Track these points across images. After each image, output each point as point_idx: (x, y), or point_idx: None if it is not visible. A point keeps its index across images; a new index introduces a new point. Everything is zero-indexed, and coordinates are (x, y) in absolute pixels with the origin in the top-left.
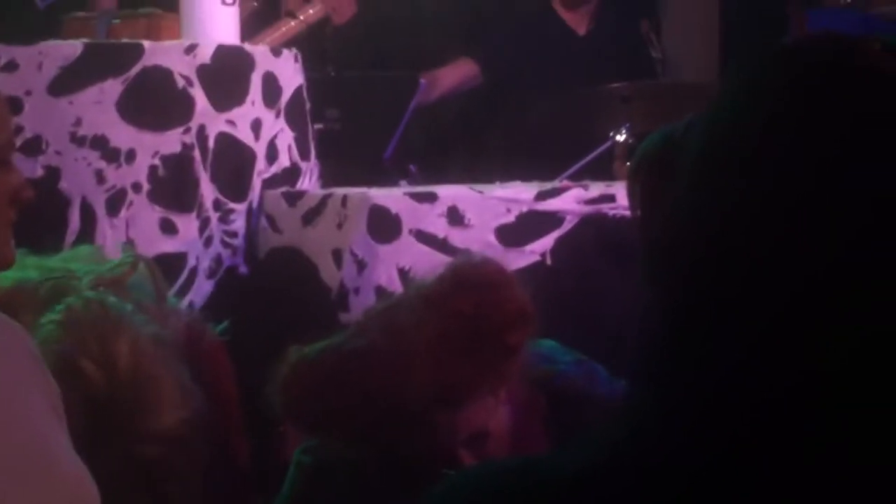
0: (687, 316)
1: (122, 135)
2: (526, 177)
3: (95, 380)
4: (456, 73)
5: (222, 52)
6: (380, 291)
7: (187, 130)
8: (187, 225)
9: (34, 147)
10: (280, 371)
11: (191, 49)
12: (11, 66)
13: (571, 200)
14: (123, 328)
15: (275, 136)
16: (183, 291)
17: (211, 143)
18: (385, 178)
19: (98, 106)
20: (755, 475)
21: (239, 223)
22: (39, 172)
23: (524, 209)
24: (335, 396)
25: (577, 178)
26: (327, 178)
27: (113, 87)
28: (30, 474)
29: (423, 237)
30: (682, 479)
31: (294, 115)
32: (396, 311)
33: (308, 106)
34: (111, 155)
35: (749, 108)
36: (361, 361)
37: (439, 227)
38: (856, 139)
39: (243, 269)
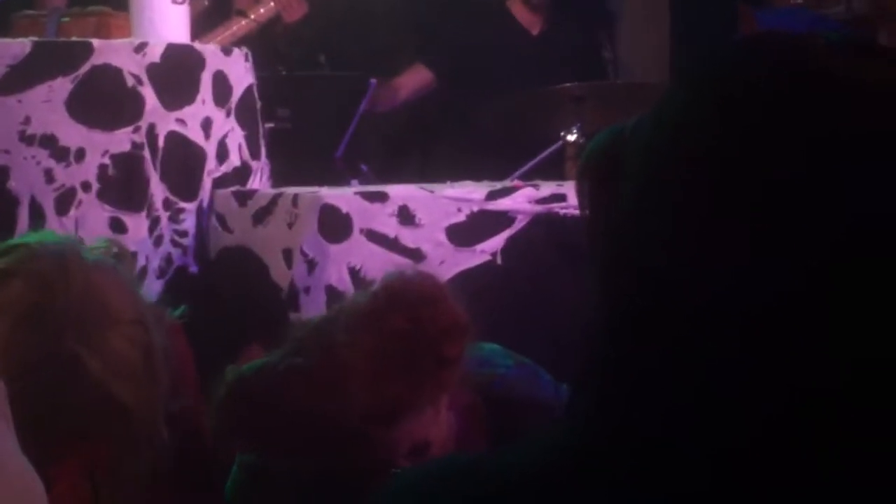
0: (631, 319)
1: (72, 133)
2: (478, 176)
3: (51, 276)
4: (412, 81)
5: (172, 50)
6: (330, 291)
7: (137, 129)
8: (137, 224)
9: None
10: (217, 391)
11: (141, 48)
12: None
13: (522, 200)
14: (72, 259)
15: (225, 136)
16: None
17: (161, 142)
18: (337, 177)
19: (47, 104)
20: (697, 479)
21: (189, 222)
22: None
23: (475, 208)
24: (271, 415)
25: (529, 177)
26: (278, 178)
27: (62, 86)
28: None
29: (374, 236)
30: (623, 484)
31: (244, 114)
32: (332, 327)
33: (259, 105)
34: (60, 154)
35: (696, 106)
36: (297, 380)
37: (390, 227)
38: (806, 137)
39: (194, 269)
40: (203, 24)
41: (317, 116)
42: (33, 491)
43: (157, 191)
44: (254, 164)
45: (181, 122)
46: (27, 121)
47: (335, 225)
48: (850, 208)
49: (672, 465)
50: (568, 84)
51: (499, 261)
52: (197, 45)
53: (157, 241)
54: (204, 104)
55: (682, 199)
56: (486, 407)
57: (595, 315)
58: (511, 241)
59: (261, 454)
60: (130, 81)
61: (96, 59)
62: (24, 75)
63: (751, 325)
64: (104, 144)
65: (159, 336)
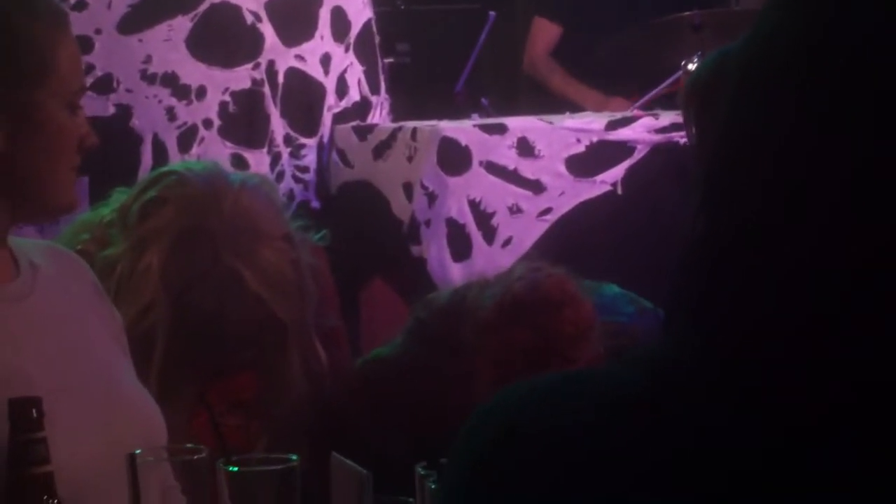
0: (724, 242)
1: (193, 71)
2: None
3: (204, 198)
4: (543, 40)
5: None
6: (450, 223)
7: (257, 66)
8: (258, 160)
9: (105, 85)
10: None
11: None
12: (81, 5)
13: (642, 129)
14: (221, 185)
15: (344, 71)
16: None
17: (281, 78)
18: (457, 111)
19: (167, 43)
20: (791, 405)
21: (310, 158)
22: (111, 111)
23: (594, 139)
24: (397, 407)
25: (649, 108)
26: (399, 113)
27: (182, 24)
28: (101, 408)
29: (494, 168)
30: (719, 402)
31: (363, 49)
32: (458, 323)
33: (377, 40)
34: (182, 92)
35: (787, 20)
36: (425, 376)
37: (509, 159)
38: None
39: (315, 204)
40: None
41: (436, 50)
42: (151, 415)
43: (278, 127)
44: (373, 98)
45: (300, 58)
46: (148, 60)
47: (454, 157)
48: None
49: (768, 385)
50: (687, 12)
51: (619, 191)
52: None
53: (279, 177)
54: (323, 40)
55: (769, 121)
56: (609, 358)
57: (694, 234)
58: (631, 170)
59: (383, 440)
60: (249, 19)
61: None
62: (145, 15)
63: (872, 233)
64: (225, 82)
65: (306, 255)
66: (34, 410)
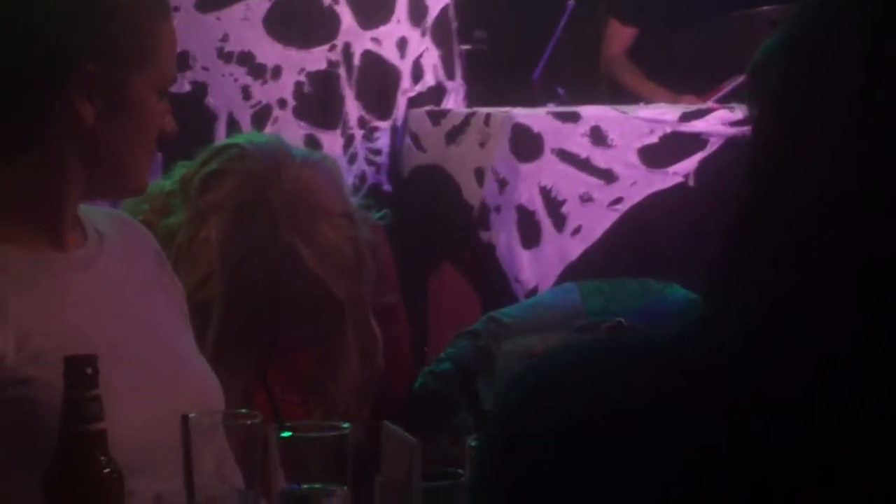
0: (766, 221)
1: (269, 51)
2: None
3: (265, 172)
4: (619, 42)
5: None
6: (521, 210)
7: (333, 48)
8: (332, 141)
9: (181, 63)
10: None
11: None
12: None
13: (716, 122)
14: (281, 160)
15: (420, 55)
16: None
17: (356, 60)
18: (533, 100)
19: (245, 22)
20: (821, 366)
21: (383, 141)
22: (187, 88)
23: (668, 130)
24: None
25: (725, 101)
26: (476, 101)
27: (260, 4)
28: (161, 376)
29: (565, 156)
30: (750, 377)
31: (440, 34)
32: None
33: (455, 25)
34: (257, 71)
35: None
36: None
37: (582, 147)
38: None
39: (387, 187)
40: None
41: (514, 38)
42: (212, 387)
43: (352, 109)
44: (448, 84)
45: (376, 41)
46: (225, 38)
47: (526, 144)
48: None
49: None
50: (765, 7)
51: (691, 182)
52: None
53: (352, 159)
54: (399, 23)
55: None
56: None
57: (738, 220)
58: (704, 163)
59: None
60: (327, 0)
61: None
62: None
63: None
64: (300, 62)
65: (366, 233)
66: (89, 368)
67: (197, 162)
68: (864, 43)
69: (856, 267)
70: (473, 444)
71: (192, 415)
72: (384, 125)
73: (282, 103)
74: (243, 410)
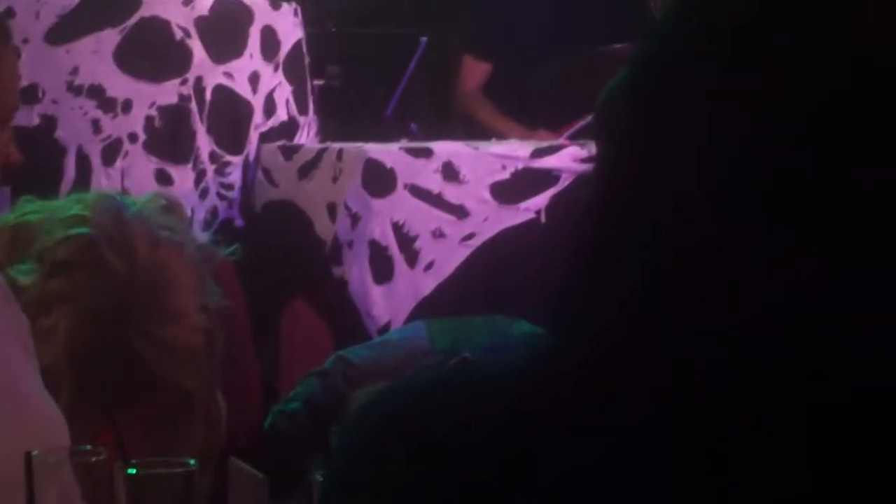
0: (610, 241)
1: (119, 84)
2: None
3: (116, 266)
4: (473, 78)
5: (221, 4)
6: (373, 245)
7: (184, 82)
8: (183, 176)
9: (30, 96)
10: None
11: (189, 1)
12: (9, 14)
13: (568, 158)
14: (141, 221)
15: (273, 90)
16: None
17: (208, 94)
18: (386, 135)
19: (95, 55)
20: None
21: (235, 176)
22: (35, 121)
23: (519, 166)
24: None
25: (577, 139)
26: (329, 136)
27: (110, 37)
28: (3, 414)
29: (418, 192)
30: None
31: (293, 69)
32: None
33: (307, 60)
34: (107, 104)
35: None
36: None
37: (434, 183)
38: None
39: (239, 222)
40: None
41: (367, 74)
42: (57, 428)
43: (204, 143)
44: (301, 119)
45: (229, 75)
46: (75, 71)
47: (379, 180)
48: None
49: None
50: (618, 45)
51: (542, 219)
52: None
53: (203, 194)
54: (252, 58)
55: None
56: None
57: (584, 231)
58: (555, 199)
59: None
60: (178, 34)
61: (145, 12)
62: (73, 26)
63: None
64: (151, 96)
65: (218, 303)
66: None
67: (46, 237)
68: (706, 78)
69: (701, 291)
70: (320, 478)
71: (35, 452)
72: (236, 160)
73: (132, 137)
74: (88, 447)
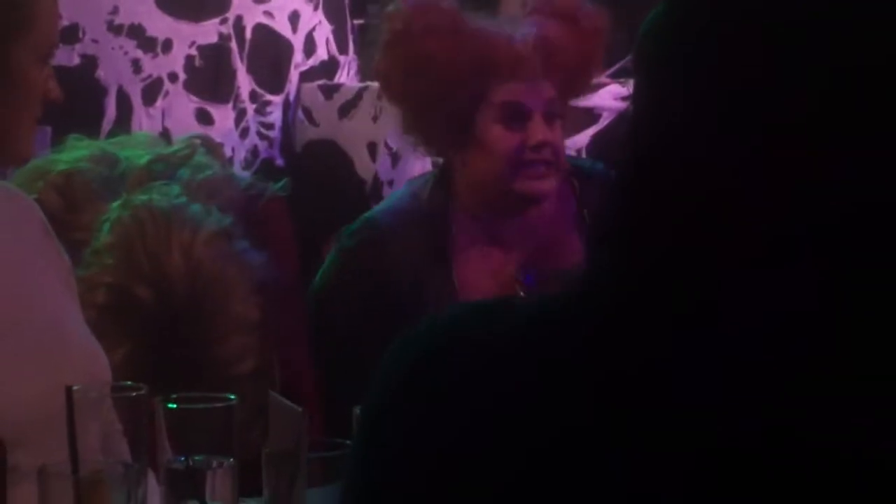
0: (634, 185)
1: (159, 24)
2: None
3: (152, 303)
4: None
5: None
6: None
7: (224, 21)
8: (223, 115)
9: (71, 35)
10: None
11: None
12: None
13: (608, 97)
14: (175, 233)
15: (313, 29)
16: None
17: (248, 34)
18: None
19: None
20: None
21: (275, 115)
22: (76, 61)
23: None
24: None
25: (617, 77)
26: (369, 75)
27: None
28: (45, 349)
29: None
30: (628, 325)
31: (333, 8)
32: None
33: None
34: (148, 44)
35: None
36: None
37: None
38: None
39: (279, 161)
40: None
41: None
42: (99, 364)
43: (244, 83)
44: (341, 58)
45: (269, 14)
46: (115, 11)
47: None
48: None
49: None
50: None
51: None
52: None
53: (244, 133)
54: None
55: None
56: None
57: (618, 172)
58: (596, 138)
59: None
60: None
61: None
62: None
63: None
64: (191, 35)
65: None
66: None
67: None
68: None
69: (742, 225)
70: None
71: (76, 387)
72: (276, 99)
73: (172, 77)
74: (129, 383)
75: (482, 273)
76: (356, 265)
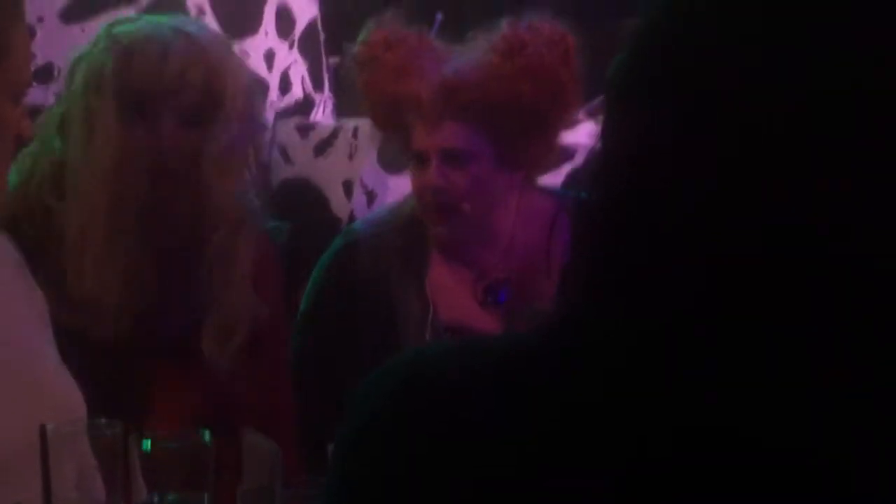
0: (617, 217)
1: None
2: None
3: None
4: None
5: None
6: None
7: None
8: None
9: (46, 75)
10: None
11: None
12: None
13: (584, 134)
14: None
15: (288, 68)
16: None
17: None
18: None
19: None
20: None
21: None
22: (51, 100)
23: None
24: None
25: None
26: (343, 113)
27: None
28: (18, 389)
29: None
30: (606, 361)
31: (308, 47)
32: None
33: (322, 38)
34: None
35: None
36: None
37: None
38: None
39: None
40: None
41: None
42: (74, 401)
43: None
44: (317, 96)
45: (244, 53)
46: None
47: (395, 156)
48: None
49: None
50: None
51: None
52: None
53: None
54: (267, 36)
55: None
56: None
57: (585, 213)
58: (572, 175)
59: None
60: (193, 11)
61: None
62: (88, 4)
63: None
64: None
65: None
66: None
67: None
68: (700, 52)
69: (706, 267)
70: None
71: (49, 424)
72: None
73: None
74: (104, 420)
75: (454, 291)
76: (332, 282)
